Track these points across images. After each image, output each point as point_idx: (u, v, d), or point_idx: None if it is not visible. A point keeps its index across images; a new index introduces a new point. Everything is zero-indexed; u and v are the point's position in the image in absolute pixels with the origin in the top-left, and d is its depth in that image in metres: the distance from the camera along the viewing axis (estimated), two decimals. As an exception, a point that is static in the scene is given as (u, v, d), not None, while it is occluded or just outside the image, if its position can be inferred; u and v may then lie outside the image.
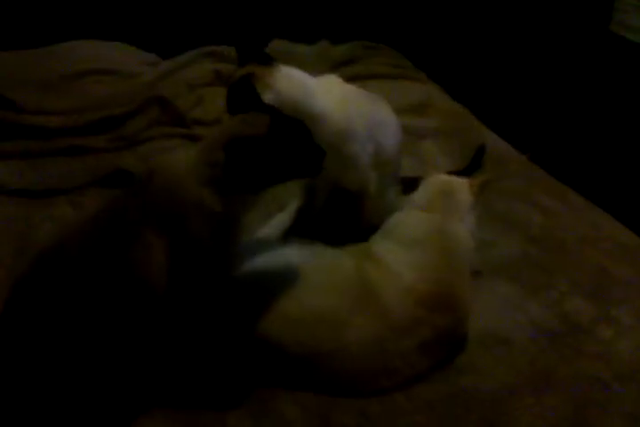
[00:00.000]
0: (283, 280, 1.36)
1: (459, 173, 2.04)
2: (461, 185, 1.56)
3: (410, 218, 1.54)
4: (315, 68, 2.46)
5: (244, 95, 1.27)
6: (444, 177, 1.61)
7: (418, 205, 1.55)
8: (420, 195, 1.58)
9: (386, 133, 1.56)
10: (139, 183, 1.26)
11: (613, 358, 1.46)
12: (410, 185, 1.83)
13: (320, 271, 1.40)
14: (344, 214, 1.58)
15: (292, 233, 1.63)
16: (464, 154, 2.15)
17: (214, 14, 2.76)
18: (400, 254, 1.44)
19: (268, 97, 1.31)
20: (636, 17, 2.67)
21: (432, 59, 3.00)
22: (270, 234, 1.66)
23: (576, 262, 1.74)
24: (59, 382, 1.15)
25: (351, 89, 1.54)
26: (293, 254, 1.46)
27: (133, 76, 2.38)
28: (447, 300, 1.38)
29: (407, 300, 1.35)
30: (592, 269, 1.72)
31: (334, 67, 2.62)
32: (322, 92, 1.43)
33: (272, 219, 1.74)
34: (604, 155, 2.64)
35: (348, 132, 1.45)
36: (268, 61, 1.40)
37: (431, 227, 1.48)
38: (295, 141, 1.21)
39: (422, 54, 2.98)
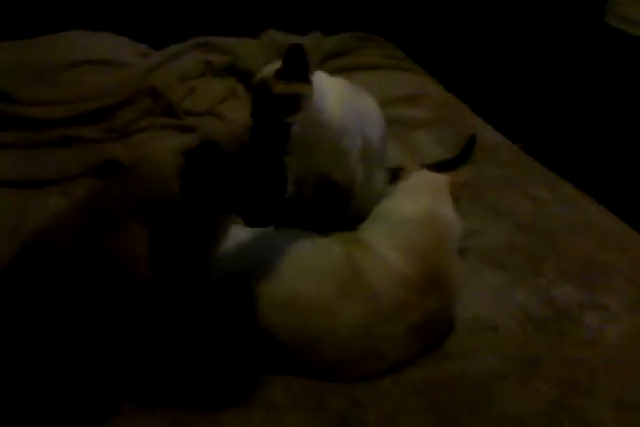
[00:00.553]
0: (270, 266, 1.37)
1: (449, 161, 2.07)
2: (443, 182, 1.58)
3: (398, 201, 1.55)
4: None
5: (272, 110, 1.27)
6: (427, 172, 1.64)
7: (406, 192, 1.56)
8: (407, 184, 1.59)
9: (372, 126, 1.57)
10: (123, 172, 1.26)
11: (600, 345, 1.47)
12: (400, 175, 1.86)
13: (308, 257, 1.41)
14: (331, 205, 1.59)
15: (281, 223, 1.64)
16: (456, 143, 2.16)
17: (207, 4, 2.76)
18: (388, 238, 1.44)
19: (294, 119, 1.30)
20: (632, 9, 2.68)
21: (425, 49, 3.00)
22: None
23: (564, 250, 1.75)
24: (44, 375, 1.16)
25: (340, 83, 1.54)
26: (280, 241, 1.46)
27: (126, 67, 2.38)
28: (436, 283, 1.38)
29: (395, 284, 1.36)
30: (580, 257, 1.73)
31: (326, 58, 2.62)
32: (326, 96, 1.41)
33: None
34: (598, 146, 2.66)
35: (344, 129, 1.45)
36: (307, 76, 1.34)
37: (421, 206, 1.49)
38: (266, 174, 1.18)
39: (416, 45, 2.99)
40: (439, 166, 1.99)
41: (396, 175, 1.80)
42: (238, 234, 1.45)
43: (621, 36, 2.63)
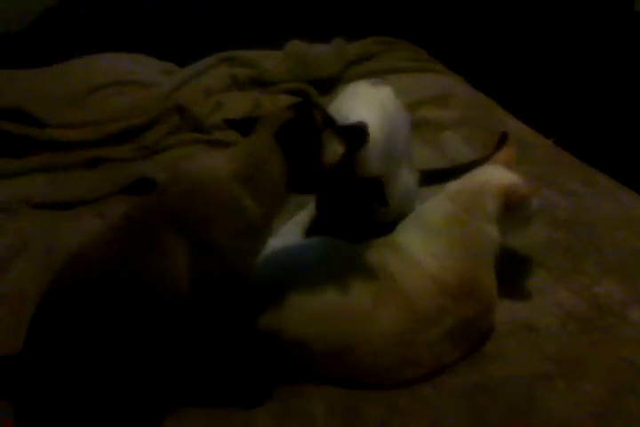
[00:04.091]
0: (303, 276, 1.36)
1: (479, 160, 2.02)
2: (497, 190, 1.43)
3: (434, 209, 1.50)
4: (332, 67, 2.51)
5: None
6: (491, 173, 1.49)
7: (447, 197, 1.48)
8: (451, 187, 1.51)
9: (397, 128, 1.55)
10: (159, 189, 1.26)
11: (648, 342, 1.42)
12: (434, 176, 1.83)
13: (342, 264, 1.39)
14: (356, 207, 1.57)
15: (315, 232, 1.63)
16: (485, 142, 2.12)
17: (229, 18, 2.79)
18: (424, 244, 1.42)
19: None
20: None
21: (451, 49, 2.97)
22: (291, 231, 1.66)
23: (604, 245, 1.69)
24: (89, 390, 1.15)
25: (378, 92, 1.54)
26: (313, 249, 1.46)
27: (152, 86, 2.41)
28: (471, 289, 1.36)
29: (431, 289, 1.34)
30: (622, 252, 1.67)
31: (351, 64, 2.61)
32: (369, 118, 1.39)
33: (293, 217, 1.74)
34: (630, 136, 2.58)
35: (386, 145, 1.45)
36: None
37: (454, 220, 1.43)
38: None
39: (441, 45, 2.95)
40: (470, 166, 1.96)
41: (429, 177, 1.79)
42: (271, 244, 1.45)
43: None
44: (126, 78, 2.42)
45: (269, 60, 2.57)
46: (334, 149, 1.26)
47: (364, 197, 1.45)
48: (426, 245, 1.41)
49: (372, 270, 1.37)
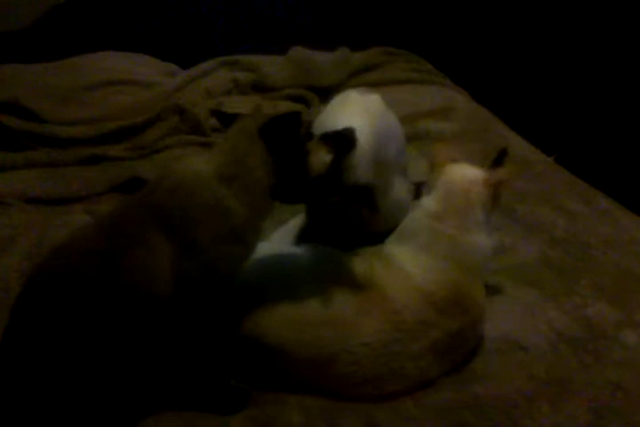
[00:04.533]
0: (287, 282, 1.34)
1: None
2: (476, 181, 1.44)
3: (420, 224, 1.45)
4: (334, 76, 2.50)
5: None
6: (459, 171, 1.47)
7: (429, 208, 1.44)
8: (431, 199, 1.47)
9: (389, 140, 1.53)
10: (146, 188, 1.25)
11: (639, 366, 1.39)
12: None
13: (328, 272, 1.37)
14: (347, 216, 1.55)
15: (306, 239, 1.61)
16: (484, 156, 2.09)
17: (234, 23, 2.79)
18: (412, 256, 1.39)
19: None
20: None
21: (457, 62, 2.96)
22: (282, 238, 1.64)
23: (600, 266, 1.67)
24: (63, 385, 1.13)
25: (367, 100, 1.52)
26: (300, 256, 1.43)
27: (153, 86, 2.40)
28: (459, 303, 1.33)
29: (417, 301, 1.31)
30: (616, 273, 1.64)
31: (354, 74, 2.60)
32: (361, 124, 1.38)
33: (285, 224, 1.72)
34: (635, 158, 2.57)
35: (375, 152, 1.42)
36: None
37: (442, 236, 1.39)
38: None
39: (447, 58, 2.96)
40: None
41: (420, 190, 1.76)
42: (260, 249, 1.42)
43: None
44: (128, 77, 2.42)
45: (271, 66, 2.56)
46: (321, 158, 1.23)
47: (354, 204, 1.42)
48: (414, 257, 1.38)
49: (357, 279, 1.35)
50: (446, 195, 1.43)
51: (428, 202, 1.44)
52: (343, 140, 1.26)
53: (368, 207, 1.38)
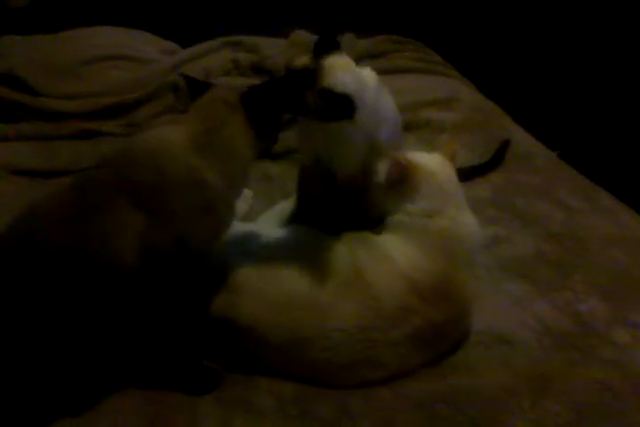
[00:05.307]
0: (266, 263, 1.29)
1: (479, 166, 1.96)
2: (444, 162, 1.45)
3: (414, 207, 1.42)
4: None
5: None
6: (426, 161, 1.44)
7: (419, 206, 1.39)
8: (428, 187, 1.41)
9: (383, 126, 1.49)
10: (117, 157, 1.20)
11: (629, 366, 1.33)
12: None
13: (308, 254, 1.32)
14: (352, 204, 1.50)
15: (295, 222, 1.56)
16: (486, 148, 2.05)
17: (238, 4, 2.75)
18: (399, 244, 1.34)
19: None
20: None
21: (464, 53, 2.92)
22: (268, 220, 1.60)
23: (596, 263, 1.61)
24: (26, 359, 1.10)
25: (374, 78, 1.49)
26: (284, 237, 1.39)
27: (151, 63, 2.37)
28: (445, 293, 1.28)
29: (399, 288, 1.26)
30: (612, 271, 1.58)
31: (359, 60, 2.55)
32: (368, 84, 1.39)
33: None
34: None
35: (380, 123, 1.42)
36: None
37: (430, 228, 1.35)
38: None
39: (454, 49, 2.91)
40: (469, 171, 1.89)
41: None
42: (239, 229, 1.38)
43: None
44: (125, 53, 2.39)
45: (273, 48, 2.51)
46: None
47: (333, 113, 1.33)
48: (401, 245, 1.34)
49: (338, 263, 1.30)
50: (431, 201, 1.39)
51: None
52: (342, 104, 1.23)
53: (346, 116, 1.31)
